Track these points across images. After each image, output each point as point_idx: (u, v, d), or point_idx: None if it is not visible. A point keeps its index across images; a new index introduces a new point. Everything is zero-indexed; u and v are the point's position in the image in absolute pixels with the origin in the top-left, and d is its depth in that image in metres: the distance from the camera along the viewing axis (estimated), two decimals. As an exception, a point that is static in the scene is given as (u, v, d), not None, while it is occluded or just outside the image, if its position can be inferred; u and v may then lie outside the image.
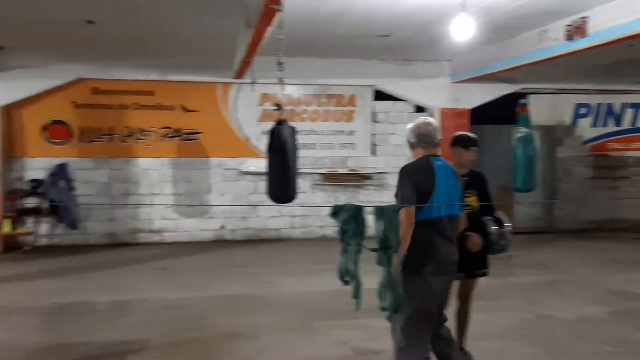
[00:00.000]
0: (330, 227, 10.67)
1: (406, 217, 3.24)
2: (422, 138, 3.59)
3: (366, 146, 11.03)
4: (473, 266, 4.36)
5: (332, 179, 10.76)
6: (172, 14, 6.81)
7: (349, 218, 2.92)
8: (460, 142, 4.45)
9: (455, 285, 4.44)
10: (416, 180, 3.42)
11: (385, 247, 2.91)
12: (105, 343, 5.09)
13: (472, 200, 4.31)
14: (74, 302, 6.40)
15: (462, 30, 5.91)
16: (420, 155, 3.59)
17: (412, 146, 3.66)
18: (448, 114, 10.45)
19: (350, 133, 11.01)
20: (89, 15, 7.08)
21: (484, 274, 4.51)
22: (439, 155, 3.61)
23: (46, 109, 9.84)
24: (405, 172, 3.50)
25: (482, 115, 10.56)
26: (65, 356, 4.79)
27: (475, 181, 4.40)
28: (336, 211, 2.98)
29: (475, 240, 4.21)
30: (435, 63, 10.39)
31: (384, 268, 3.00)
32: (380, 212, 2.92)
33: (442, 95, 10.54)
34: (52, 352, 4.88)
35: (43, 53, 9.28)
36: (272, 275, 7.77)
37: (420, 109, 10.98)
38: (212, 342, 5.17)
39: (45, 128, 9.86)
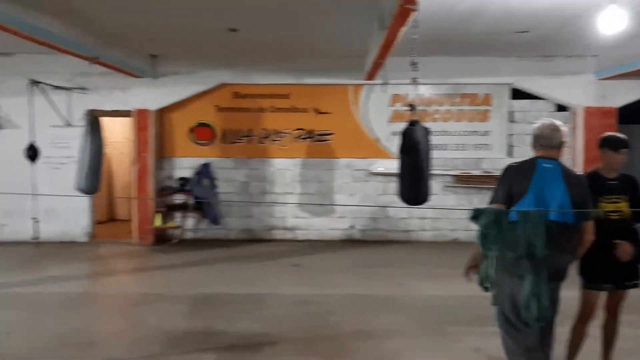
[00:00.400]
0: (462, 231, 10.43)
1: None
2: (537, 139, 3.53)
3: (502, 147, 10.59)
4: (623, 276, 4.04)
5: (464, 181, 10.46)
6: (309, 19, 7.04)
7: (491, 222, 2.84)
8: (610, 144, 4.13)
9: (603, 296, 4.14)
10: (511, 181, 3.36)
11: (530, 254, 2.78)
12: (243, 333, 5.39)
13: (623, 205, 3.99)
14: (216, 293, 6.84)
15: (612, 24, 5.48)
16: (534, 156, 3.51)
17: (531, 146, 3.60)
18: (593, 113, 9.74)
19: (485, 133, 10.64)
20: (233, 23, 7.55)
21: (635, 285, 4.15)
22: (553, 158, 3.45)
23: (193, 113, 10.60)
24: (504, 172, 3.49)
25: (631, 114, 9.70)
26: (206, 343, 5.13)
27: (626, 185, 4.07)
28: (477, 215, 2.91)
29: (625, 249, 3.90)
30: (579, 59, 9.72)
31: (529, 276, 2.86)
32: (524, 217, 2.81)
33: (586, 93, 9.84)
34: (195, 338, 5.26)
35: (191, 60, 10.05)
36: (402, 277, 7.73)
37: (561, 108, 10.33)
38: (343, 340, 5.27)
39: (192, 130, 10.63)
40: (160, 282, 7.52)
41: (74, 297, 6.89)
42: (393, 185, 10.43)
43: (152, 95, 10.23)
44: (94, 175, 8.59)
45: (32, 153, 8.93)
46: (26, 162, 9.31)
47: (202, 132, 10.65)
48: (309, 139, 10.68)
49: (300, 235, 10.69)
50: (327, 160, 10.67)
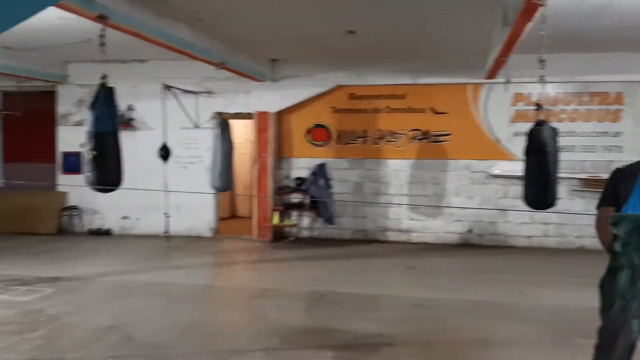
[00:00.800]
0: (589, 238, 9.77)
1: (596, 222, 3.09)
2: None
3: (636, 149, 9.77)
4: None
5: (593, 185, 9.79)
6: (429, 17, 6.95)
7: (634, 229, 2.64)
8: None
9: None
10: (617, 183, 3.20)
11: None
12: (359, 333, 5.42)
13: None
14: (331, 291, 6.95)
15: None
16: None
17: None
18: None
19: (616, 134, 9.90)
20: (351, 26, 7.64)
21: None
22: None
23: (310, 114, 10.85)
24: (611, 174, 3.34)
25: None
26: (324, 340, 5.22)
27: None
28: (618, 221, 2.72)
29: None
30: None
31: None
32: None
33: None
34: (313, 334, 5.37)
35: (309, 64, 10.31)
36: (523, 285, 7.39)
37: None
38: (462, 346, 5.14)
39: (308, 131, 10.88)
40: (278, 277, 7.76)
41: (200, 288, 7.32)
42: (514, 188, 10.04)
43: (272, 98, 10.61)
44: (227, 174, 9.13)
45: (165, 153, 9.59)
46: (159, 161, 10.01)
47: (318, 133, 10.87)
48: (424, 140, 10.53)
49: (414, 237, 10.57)
50: (444, 162, 10.46)
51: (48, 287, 6.80)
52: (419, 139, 10.55)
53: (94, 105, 5.50)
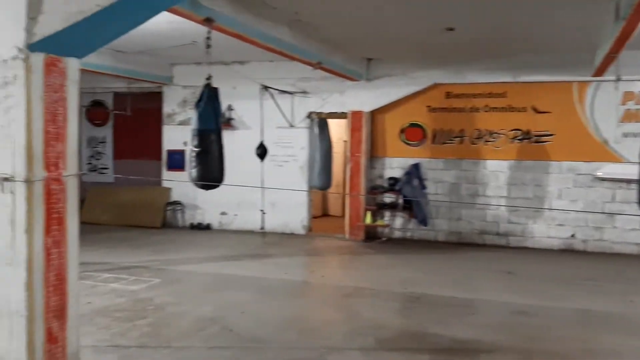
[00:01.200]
0: None
1: None
2: None
3: None
4: None
5: None
6: (536, 12, 6.67)
7: None
8: None
9: None
10: None
11: None
12: (457, 338, 5.30)
13: None
14: (425, 293, 6.84)
15: None
16: None
17: None
18: None
19: None
20: (450, 23, 7.47)
21: None
22: None
23: (404, 113, 10.73)
24: None
25: None
26: (421, 343, 5.15)
27: None
28: None
29: None
30: None
31: None
32: None
33: None
34: (409, 337, 5.31)
35: (404, 62, 10.21)
36: (633, 294, 6.93)
37: None
38: (566, 357, 4.90)
39: (403, 131, 10.77)
40: (372, 277, 7.75)
41: (295, 284, 7.46)
42: (622, 192, 9.44)
43: (366, 97, 10.61)
44: (326, 173, 9.26)
45: (262, 152, 9.84)
46: (256, 159, 10.29)
47: (412, 133, 10.73)
48: (525, 140, 10.11)
49: (513, 241, 10.18)
50: (545, 163, 9.99)
51: (154, 278, 7.19)
52: (519, 139, 10.14)
53: (198, 104, 5.74)
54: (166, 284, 6.96)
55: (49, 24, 3.43)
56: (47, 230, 3.61)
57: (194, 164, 5.66)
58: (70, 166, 3.79)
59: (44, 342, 3.59)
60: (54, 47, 3.55)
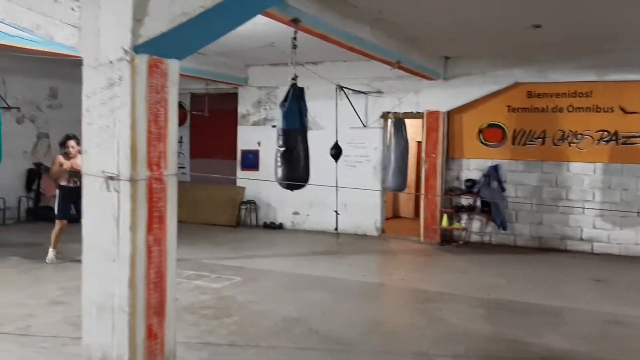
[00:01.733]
0: None
1: None
2: None
3: None
4: None
5: None
6: (631, 8, 6.32)
7: None
8: None
9: None
10: None
11: None
12: (551, 348, 5.05)
13: None
14: (510, 300, 6.59)
15: None
16: None
17: None
18: None
19: None
20: (537, 19, 7.19)
21: None
22: None
23: (482, 113, 10.42)
24: None
25: None
26: (513, 352, 4.94)
27: None
28: None
29: None
30: None
31: None
32: None
33: None
34: (500, 345, 5.11)
35: (483, 61, 9.92)
36: None
37: None
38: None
39: (481, 131, 10.47)
40: (452, 282, 7.54)
41: (374, 286, 7.38)
42: None
43: (443, 97, 10.38)
44: (401, 174, 9.14)
45: (336, 152, 9.80)
46: (330, 160, 10.26)
47: (491, 133, 10.41)
48: (612, 142, 9.61)
49: (598, 247, 9.69)
50: (634, 166, 9.47)
51: (235, 276, 7.27)
52: (606, 141, 9.65)
53: (284, 104, 5.75)
54: (247, 283, 7.02)
55: (154, 26, 3.49)
56: (149, 228, 3.68)
57: (279, 163, 5.67)
58: (171, 166, 3.85)
59: (144, 338, 3.66)
60: (157, 48, 3.61)
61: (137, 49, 3.52)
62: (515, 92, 10.18)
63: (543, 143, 10.05)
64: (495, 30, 7.86)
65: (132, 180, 3.55)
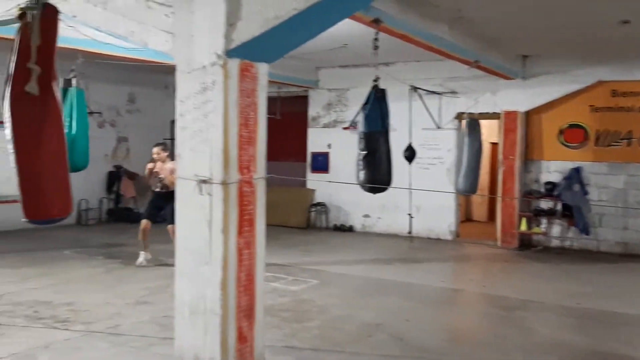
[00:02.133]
0: None
1: None
2: None
3: None
4: None
5: None
6: None
7: None
8: None
9: None
10: None
11: None
12: (651, 362, 4.75)
13: None
14: (599, 309, 6.26)
15: None
16: None
17: None
18: None
19: None
20: (626, 15, 6.80)
21: None
22: None
23: (563, 113, 9.99)
24: None
25: None
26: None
27: None
28: None
29: None
30: None
31: None
32: None
33: None
34: (596, 357, 4.84)
35: (564, 59, 9.50)
36: None
37: None
38: None
39: (561, 132, 10.04)
40: (536, 289, 7.23)
41: (455, 293, 7.20)
42: None
43: (521, 97, 10.02)
44: (473, 177, 8.89)
45: (410, 154, 9.63)
46: (403, 162, 10.10)
47: (572, 134, 9.97)
48: None
49: (691, 254, 9.11)
50: None
51: (312, 279, 7.25)
52: (699, 141, 9.05)
53: (365, 106, 5.68)
54: (323, 286, 6.98)
55: (247, 30, 3.49)
56: (240, 231, 3.70)
57: (360, 166, 5.60)
58: (260, 169, 3.86)
59: (235, 342, 3.67)
60: (249, 52, 3.62)
61: (230, 53, 3.54)
62: (598, 91, 9.71)
63: (629, 144, 9.53)
64: (580, 27, 7.50)
65: (224, 184, 3.57)
